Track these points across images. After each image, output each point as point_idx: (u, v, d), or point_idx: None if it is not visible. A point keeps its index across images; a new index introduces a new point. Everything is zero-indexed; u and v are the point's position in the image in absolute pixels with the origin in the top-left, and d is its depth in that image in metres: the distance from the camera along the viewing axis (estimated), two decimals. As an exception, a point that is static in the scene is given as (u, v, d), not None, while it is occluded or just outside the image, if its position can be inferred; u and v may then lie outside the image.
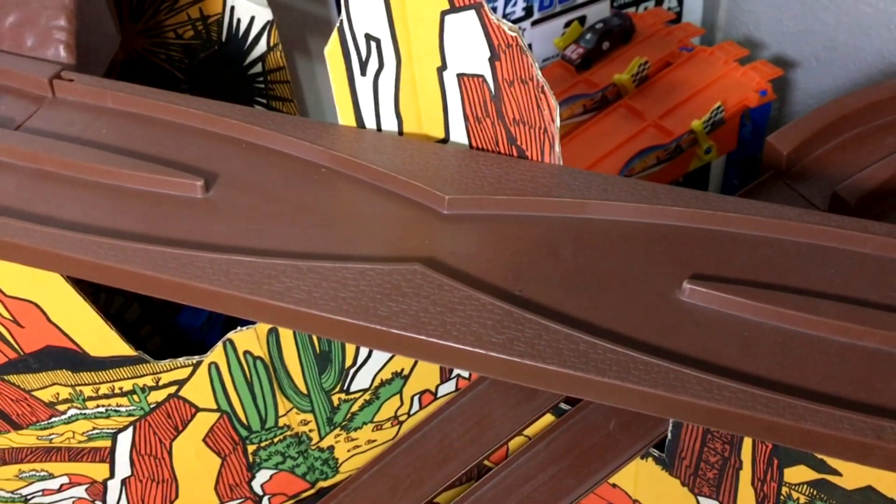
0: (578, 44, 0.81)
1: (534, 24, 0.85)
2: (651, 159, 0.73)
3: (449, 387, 0.54)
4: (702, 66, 0.78)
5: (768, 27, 0.88)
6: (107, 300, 0.65)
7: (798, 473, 0.41)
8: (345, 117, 0.44)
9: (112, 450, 0.51)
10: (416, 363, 0.52)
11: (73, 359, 0.46)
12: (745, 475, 0.44)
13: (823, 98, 0.85)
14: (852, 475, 0.39)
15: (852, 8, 0.79)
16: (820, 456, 0.40)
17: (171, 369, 0.47)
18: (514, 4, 0.83)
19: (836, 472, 0.40)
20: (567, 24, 0.86)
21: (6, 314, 0.44)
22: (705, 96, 0.75)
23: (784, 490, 0.42)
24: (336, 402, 0.52)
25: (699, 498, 0.47)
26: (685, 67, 0.78)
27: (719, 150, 0.76)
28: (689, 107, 0.75)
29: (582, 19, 0.87)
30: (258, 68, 0.63)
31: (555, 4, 0.85)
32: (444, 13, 0.39)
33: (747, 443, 0.43)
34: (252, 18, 0.61)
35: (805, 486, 0.41)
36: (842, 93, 0.82)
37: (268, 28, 0.61)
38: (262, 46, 0.62)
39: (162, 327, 0.71)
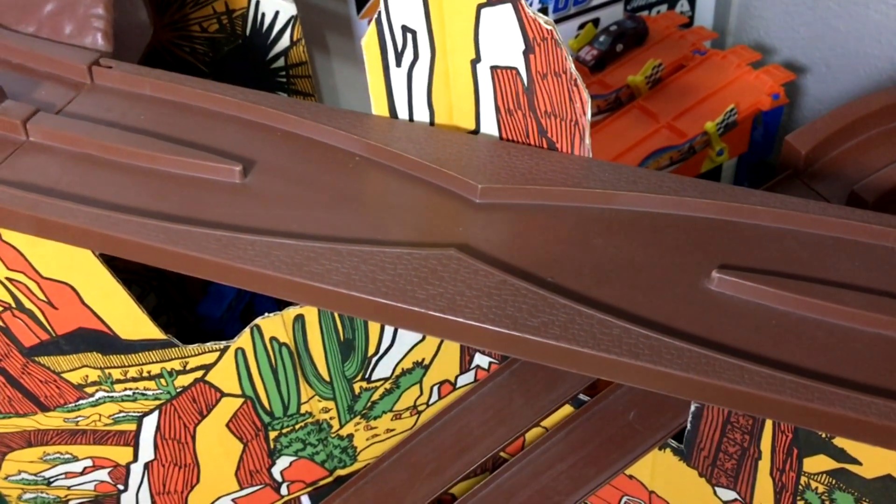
0: (592, 45, 0.82)
1: (548, 25, 0.86)
2: (664, 160, 0.74)
3: (468, 377, 0.54)
4: (715, 69, 0.79)
5: (779, 33, 0.89)
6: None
7: (817, 463, 0.42)
8: (378, 107, 0.44)
9: (137, 433, 0.52)
10: (436, 354, 0.52)
11: (103, 341, 0.47)
12: (764, 465, 0.45)
13: (833, 103, 0.86)
14: (872, 464, 0.40)
15: (863, 14, 0.80)
16: (840, 445, 0.41)
17: (199, 354, 0.48)
18: (530, 5, 0.84)
19: (855, 461, 0.41)
20: (581, 27, 0.88)
21: (41, 295, 0.45)
22: (718, 99, 0.76)
23: (803, 480, 0.43)
24: (357, 391, 0.52)
25: (716, 488, 0.48)
26: (698, 70, 0.79)
27: (731, 152, 0.77)
28: (702, 109, 0.76)
29: (596, 21, 0.88)
30: (281, 62, 0.64)
31: (569, 6, 0.86)
32: (480, 6, 0.40)
33: (767, 433, 0.44)
34: (276, 13, 0.62)
35: (824, 475, 0.42)
36: (852, 98, 0.83)
37: (292, 23, 0.62)
38: (285, 41, 0.63)
39: (178, 318, 0.72)
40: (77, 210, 0.38)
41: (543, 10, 0.85)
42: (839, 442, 0.41)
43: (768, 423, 0.43)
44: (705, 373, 0.33)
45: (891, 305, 0.35)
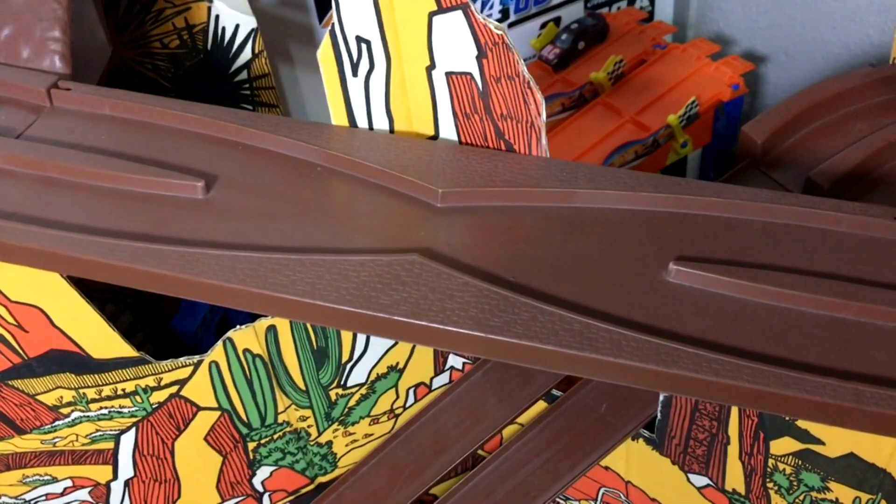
0: (554, 44, 0.83)
1: (510, 26, 0.87)
2: (630, 154, 0.75)
3: (443, 379, 0.55)
4: (675, 62, 0.80)
5: (738, 24, 0.90)
6: (99, 308, 0.66)
7: (783, 445, 0.43)
8: (337, 117, 0.45)
9: (115, 451, 0.52)
10: (410, 357, 0.53)
11: (76, 362, 0.47)
12: (733, 450, 0.46)
13: (793, 91, 0.87)
14: (835, 443, 0.41)
15: (818, 2, 0.82)
16: (804, 426, 0.42)
17: (173, 369, 0.48)
18: (491, 7, 0.85)
19: (819, 442, 0.42)
20: (543, 26, 0.88)
21: (11, 319, 0.45)
22: (680, 92, 0.77)
23: (770, 462, 0.44)
24: (333, 398, 0.53)
25: (689, 475, 0.49)
26: (659, 64, 0.80)
27: (695, 143, 0.78)
28: (664, 102, 0.77)
29: (557, 20, 0.89)
30: (244, 75, 0.65)
31: (530, 6, 0.87)
32: (431, 14, 0.40)
33: (734, 419, 0.45)
34: (237, 26, 0.62)
35: (790, 456, 0.43)
36: (811, 84, 0.85)
37: (252, 35, 0.62)
38: (247, 54, 0.63)
39: (153, 335, 0.72)
40: (41, 233, 0.39)
41: (504, 11, 0.86)
42: (802, 423, 0.42)
43: (734, 409, 0.44)
44: (665, 363, 0.34)
45: (839, 288, 0.36)
